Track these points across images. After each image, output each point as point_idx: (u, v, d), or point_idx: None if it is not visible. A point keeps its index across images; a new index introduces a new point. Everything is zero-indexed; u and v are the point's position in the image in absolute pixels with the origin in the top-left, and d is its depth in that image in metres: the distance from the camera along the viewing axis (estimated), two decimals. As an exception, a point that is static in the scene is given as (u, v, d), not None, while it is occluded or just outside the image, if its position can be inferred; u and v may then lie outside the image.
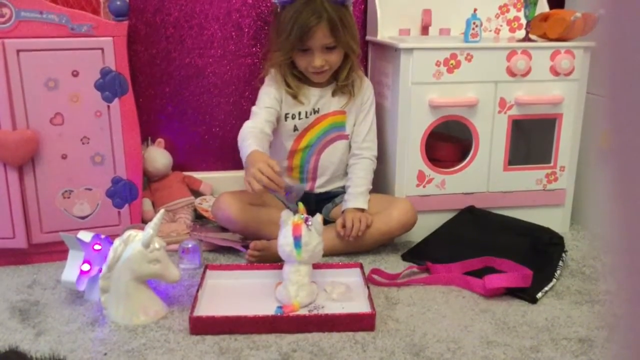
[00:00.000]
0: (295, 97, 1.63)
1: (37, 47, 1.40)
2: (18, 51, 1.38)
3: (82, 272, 1.30)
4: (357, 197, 1.60)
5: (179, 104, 1.86)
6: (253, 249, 1.49)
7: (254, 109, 1.61)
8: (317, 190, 1.71)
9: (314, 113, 1.65)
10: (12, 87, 1.39)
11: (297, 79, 1.63)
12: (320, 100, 1.65)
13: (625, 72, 0.31)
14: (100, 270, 1.26)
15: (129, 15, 1.49)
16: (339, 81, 1.64)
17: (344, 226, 1.54)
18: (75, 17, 1.40)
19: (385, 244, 1.62)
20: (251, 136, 1.48)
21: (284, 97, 1.63)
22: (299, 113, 1.64)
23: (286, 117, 1.65)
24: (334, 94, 1.66)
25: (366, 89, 1.69)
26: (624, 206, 0.33)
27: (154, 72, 1.82)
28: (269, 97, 1.61)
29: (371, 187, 1.64)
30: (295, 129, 1.65)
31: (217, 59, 1.85)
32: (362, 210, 1.58)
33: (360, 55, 1.67)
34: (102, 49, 1.44)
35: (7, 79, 1.38)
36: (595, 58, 0.33)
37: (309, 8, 1.52)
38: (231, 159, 1.91)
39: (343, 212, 1.59)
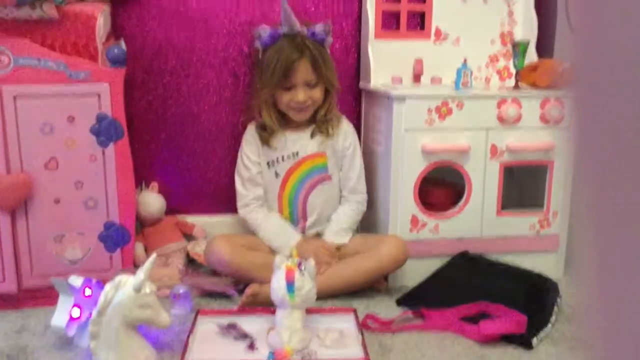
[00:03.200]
0: (267, 143, 1.70)
1: (34, 93, 1.41)
2: (15, 97, 1.40)
3: (71, 318, 1.28)
4: (337, 232, 1.69)
5: (174, 149, 1.88)
6: (249, 294, 1.46)
7: (238, 186, 1.74)
8: (308, 232, 1.73)
9: (293, 157, 1.71)
10: (7, 132, 1.40)
11: (279, 122, 1.71)
12: (298, 143, 1.71)
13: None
14: (90, 316, 1.24)
15: (126, 62, 1.52)
16: (318, 117, 1.71)
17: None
18: (72, 64, 1.43)
19: (379, 290, 1.61)
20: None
21: (260, 149, 1.72)
22: (277, 159, 1.71)
23: (268, 165, 1.72)
24: (312, 135, 1.72)
25: (346, 134, 1.75)
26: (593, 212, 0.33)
27: (149, 118, 1.84)
28: (248, 165, 1.72)
29: (354, 227, 1.73)
30: (277, 175, 1.71)
31: (212, 105, 1.87)
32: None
33: (340, 91, 1.76)
34: (98, 95, 1.46)
35: (2, 123, 1.39)
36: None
37: (291, 45, 1.62)
38: (224, 203, 1.91)
39: None
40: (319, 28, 1.65)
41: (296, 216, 1.73)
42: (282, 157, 1.71)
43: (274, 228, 1.69)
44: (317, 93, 1.66)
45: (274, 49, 1.63)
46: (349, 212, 1.72)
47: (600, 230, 0.32)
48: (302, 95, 1.63)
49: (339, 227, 1.70)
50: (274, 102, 1.69)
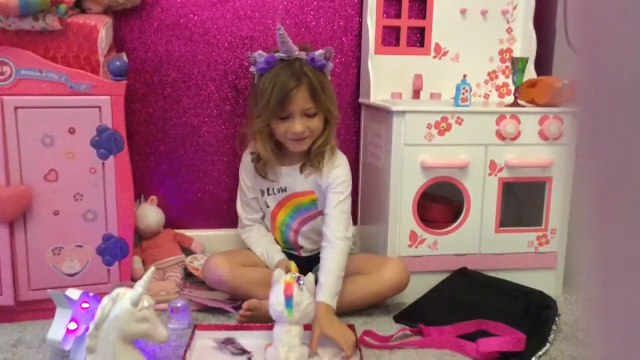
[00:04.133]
0: (264, 176, 1.64)
1: (35, 104, 1.41)
2: (16, 108, 1.40)
3: (68, 331, 1.27)
4: (333, 296, 1.42)
5: (174, 162, 1.88)
6: (246, 308, 1.45)
7: (238, 207, 1.71)
8: (304, 254, 1.71)
9: (282, 191, 1.65)
10: (7, 143, 1.40)
11: (273, 153, 1.60)
12: (288, 179, 1.64)
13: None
14: (87, 329, 1.23)
15: (127, 75, 1.52)
16: (314, 149, 1.58)
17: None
18: (74, 75, 1.43)
19: (377, 305, 1.60)
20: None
21: (255, 179, 1.67)
22: (268, 189, 1.66)
23: (262, 193, 1.67)
24: (302, 169, 1.62)
25: (336, 169, 1.59)
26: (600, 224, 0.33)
27: (149, 130, 1.85)
28: (244, 189, 1.68)
29: (343, 273, 1.48)
30: (267, 205, 1.67)
31: (212, 118, 1.88)
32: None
33: (339, 121, 1.65)
34: (99, 107, 1.46)
35: (3, 134, 1.39)
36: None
37: (288, 71, 1.50)
38: (223, 217, 1.91)
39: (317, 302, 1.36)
40: (318, 54, 1.53)
41: (290, 246, 1.71)
42: (273, 190, 1.65)
43: (263, 248, 1.66)
44: (316, 123, 1.54)
45: (270, 75, 1.51)
46: (339, 265, 1.47)
47: (603, 247, 0.32)
48: (299, 125, 1.51)
49: (334, 291, 1.43)
50: (269, 132, 1.57)
